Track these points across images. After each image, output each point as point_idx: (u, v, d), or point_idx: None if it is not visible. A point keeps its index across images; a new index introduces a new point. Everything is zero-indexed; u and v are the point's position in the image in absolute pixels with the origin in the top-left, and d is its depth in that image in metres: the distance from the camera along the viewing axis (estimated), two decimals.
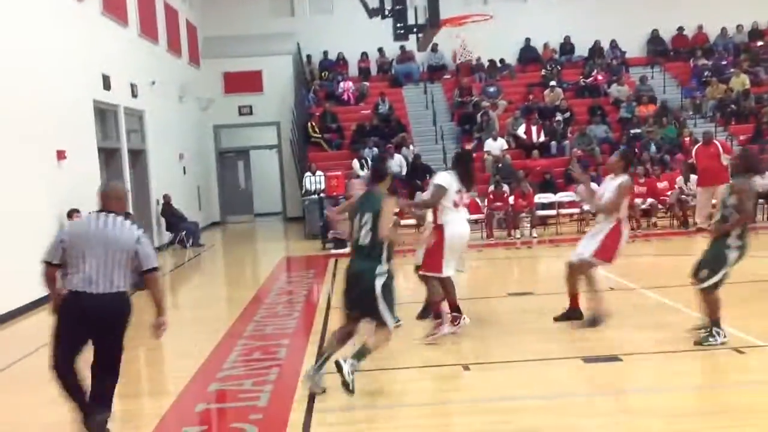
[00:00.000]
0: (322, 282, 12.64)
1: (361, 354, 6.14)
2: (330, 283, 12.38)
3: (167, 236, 19.07)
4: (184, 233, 18.74)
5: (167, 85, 20.46)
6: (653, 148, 19.75)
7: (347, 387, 5.98)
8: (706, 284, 7.12)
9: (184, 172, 21.76)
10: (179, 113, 21.80)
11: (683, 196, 16.95)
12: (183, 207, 19.57)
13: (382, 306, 6.09)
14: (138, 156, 18.11)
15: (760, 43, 24.82)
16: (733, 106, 21.84)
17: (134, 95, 17.68)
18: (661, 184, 17.46)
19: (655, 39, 25.70)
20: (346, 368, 5.99)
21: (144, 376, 7.96)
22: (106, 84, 15.92)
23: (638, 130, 20.85)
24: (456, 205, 7.88)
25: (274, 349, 8.02)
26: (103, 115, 16.13)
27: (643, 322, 7.91)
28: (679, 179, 17.22)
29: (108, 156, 16.36)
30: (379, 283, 6.06)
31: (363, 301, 6.14)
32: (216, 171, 25.61)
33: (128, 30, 17.89)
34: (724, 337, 7.15)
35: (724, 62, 24.12)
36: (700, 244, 11.56)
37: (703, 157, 16.07)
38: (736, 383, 6.31)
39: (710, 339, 7.16)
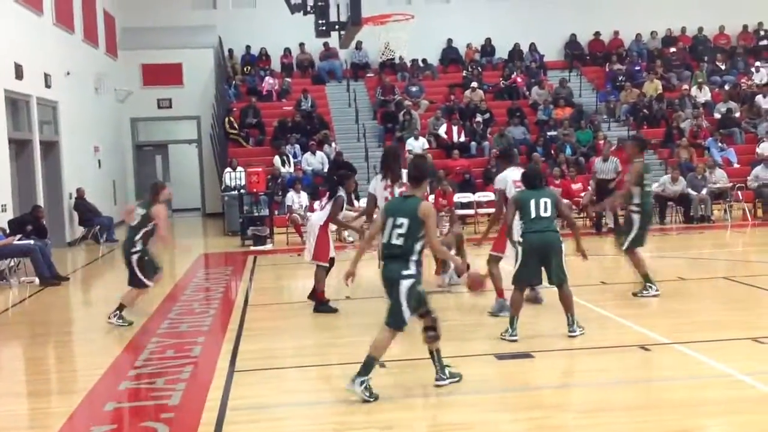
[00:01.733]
0: (240, 279, 12.51)
1: (368, 366, 5.98)
2: (248, 280, 12.27)
3: (80, 231, 18.57)
4: (97, 228, 18.28)
5: (83, 75, 19.91)
6: (569, 150, 20.22)
7: (369, 401, 5.86)
8: (624, 246, 9.09)
9: (99, 166, 21.22)
10: (95, 105, 21.24)
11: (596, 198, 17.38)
12: (97, 201, 19.08)
13: (405, 307, 5.97)
14: (51, 148, 17.58)
15: (673, 50, 25.68)
16: (645, 110, 22.55)
17: (48, 85, 17.15)
18: (576, 186, 17.90)
19: (572, 43, 26.32)
20: (357, 391, 5.87)
21: (53, 374, 7.74)
22: (18, 73, 15.41)
23: (554, 133, 21.32)
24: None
25: (188, 346, 7.90)
26: (15, 105, 15.60)
27: (554, 320, 8.09)
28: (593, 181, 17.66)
29: (19, 147, 15.84)
30: (405, 284, 5.97)
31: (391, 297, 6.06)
32: (133, 165, 25.05)
33: (42, 18, 17.34)
34: (656, 290, 8.92)
35: (637, 68, 24.87)
36: (611, 244, 11.94)
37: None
38: (642, 379, 6.52)
39: (644, 292, 8.99)
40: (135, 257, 9.00)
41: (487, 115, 22.29)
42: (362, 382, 5.88)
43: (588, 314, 8.50)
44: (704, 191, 17.36)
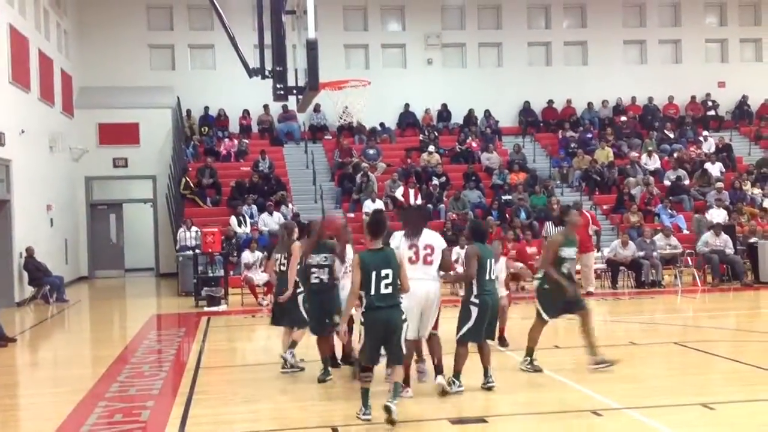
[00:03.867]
0: (192, 340, 12.32)
1: (398, 389, 6.98)
2: (201, 341, 12.09)
3: (30, 291, 18.18)
4: (47, 288, 17.91)
5: (38, 134, 19.76)
6: (523, 214, 20.51)
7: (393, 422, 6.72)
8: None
9: (51, 224, 20.90)
10: (49, 163, 21.03)
11: None
12: (48, 260, 18.73)
13: (403, 348, 7.01)
14: (2, 206, 17.31)
15: (623, 119, 26.40)
16: (597, 176, 23.04)
17: (1, 143, 16.97)
18: (531, 249, 18.08)
19: (526, 110, 26.92)
20: (394, 410, 6.73)
21: None
22: None
23: (509, 197, 21.64)
24: (412, 261, 7.67)
25: (137, 411, 7.73)
26: None
27: (510, 384, 8.11)
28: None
29: None
30: (405, 327, 7.01)
31: (393, 346, 6.94)
32: (86, 224, 24.72)
33: None
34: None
35: (589, 135, 25.49)
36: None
37: None
38: None
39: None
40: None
41: (443, 179, 22.58)
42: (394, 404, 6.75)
43: (540, 378, 8.53)
44: (655, 256, 17.68)
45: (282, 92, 11.55)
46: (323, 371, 8.76)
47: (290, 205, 21.05)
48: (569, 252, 8.95)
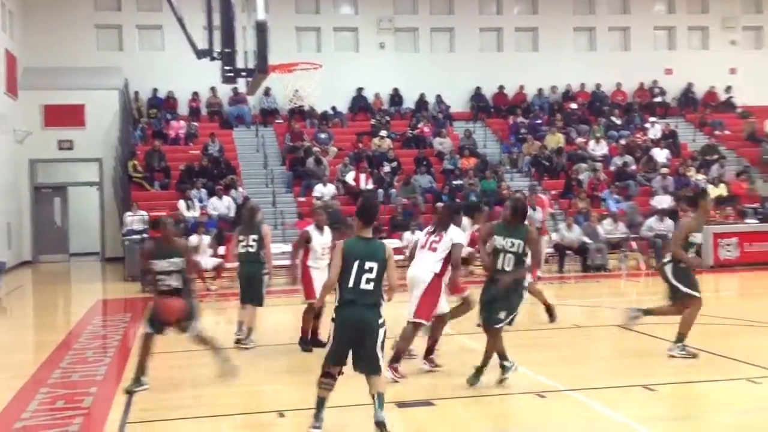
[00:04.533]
0: (138, 326, 12.14)
1: (383, 401, 6.08)
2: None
3: None
4: None
5: None
6: (474, 199, 20.62)
7: None
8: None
9: None
10: None
11: None
12: None
13: (380, 355, 6.08)
14: None
15: (573, 106, 26.67)
16: (546, 162, 23.27)
17: None
18: (479, 233, 18.21)
19: (477, 96, 27.03)
20: (388, 423, 5.99)
21: None
22: None
23: (460, 182, 21.74)
24: (420, 246, 8.28)
25: (79, 397, 7.62)
26: None
27: (456, 367, 8.17)
28: None
29: None
30: (382, 333, 6.05)
31: (366, 352, 6.02)
32: (30, 207, 24.19)
33: None
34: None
35: (539, 121, 25.71)
36: None
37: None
38: (538, 426, 6.64)
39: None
40: None
41: (395, 164, 22.58)
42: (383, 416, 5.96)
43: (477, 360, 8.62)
44: (601, 240, 17.96)
45: (231, 74, 11.40)
46: None
47: (240, 189, 20.86)
48: (698, 237, 8.86)
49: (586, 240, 17.95)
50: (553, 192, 21.98)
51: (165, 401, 7.51)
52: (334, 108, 25.56)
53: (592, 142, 24.31)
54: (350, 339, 6.00)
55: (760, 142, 25.16)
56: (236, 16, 11.95)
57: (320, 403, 6.10)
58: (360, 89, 26.23)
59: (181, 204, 19.66)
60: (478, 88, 26.95)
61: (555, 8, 27.75)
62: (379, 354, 6.04)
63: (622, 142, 24.49)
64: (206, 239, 16.89)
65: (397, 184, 21.63)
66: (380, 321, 6.04)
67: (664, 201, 20.34)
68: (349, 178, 21.50)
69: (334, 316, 6.06)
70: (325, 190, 20.53)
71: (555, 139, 24.32)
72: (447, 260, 8.09)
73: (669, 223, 18.30)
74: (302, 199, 20.81)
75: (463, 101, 27.13)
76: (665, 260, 8.93)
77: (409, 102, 26.52)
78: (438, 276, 8.04)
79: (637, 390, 7.41)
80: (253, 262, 10.01)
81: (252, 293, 10.00)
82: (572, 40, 28.11)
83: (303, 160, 22.29)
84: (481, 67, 26.84)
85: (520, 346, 9.38)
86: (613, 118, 26.02)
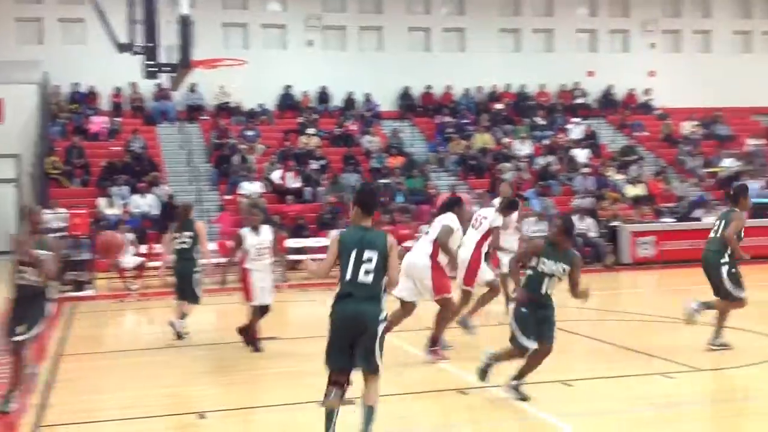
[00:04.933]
0: (53, 328, 11.82)
1: (370, 419, 5.63)
2: (63, 328, 11.63)
3: None
4: None
5: None
6: (400, 197, 20.76)
7: None
8: None
9: None
10: None
11: None
12: None
13: (378, 352, 5.60)
14: None
15: (499, 106, 27.03)
16: (472, 161, 23.56)
17: None
18: (405, 231, 18.33)
19: (405, 95, 27.18)
20: None
21: None
22: None
23: (387, 180, 21.84)
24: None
25: None
26: None
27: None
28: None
29: None
30: (381, 329, 5.60)
31: (363, 347, 5.55)
32: None
33: None
34: None
35: (466, 121, 25.99)
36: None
37: None
38: (460, 423, 6.72)
39: None
40: None
41: (322, 162, 22.53)
42: None
43: (405, 358, 8.69)
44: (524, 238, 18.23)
45: (153, 69, 11.25)
46: None
47: (165, 187, 20.50)
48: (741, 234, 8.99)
49: None
50: (479, 191, 22.24)
51: (84, 403, 7.35)
52: (261, 105, 25.34)
53: (516, 142, 24.70)
54: (347, 335, 5.55)
55: (677, 143, 26.00)
56: (159, 10, 11.78)
57: (328, 417, 5.58)
58: (288, 87, 26.05)
59: (100, 201, 19.24)
60: (406, 88, 27.09)
61: (481, 9, 28.09)
62: (378, 350, 5.60)
63: (546, 142, 24.96)
64: (127, 237, 16.55)
65: (324, 183, 21.59)
66: (381, 315, 5.60)
67: (584, 201, 20.76)
68: (276, 176, 21.36)
69: (330, 311, 5.66)
70: (251, 188, 20.36)
71: (483, 139, 24.62)
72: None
73: (588, 221, 18.79)
74: (228, 197, 20.58)
75: (391, 100, 27.23)
76: (722, 261, 8.99)
77: (338, 100, 26.47)
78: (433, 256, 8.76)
79: (554, 386, 7.56)
80: (187, 259, 10.23)
81: (187, 291, 10.22)
82: (498, 41, 28.48)
83: (229, 157, 22.05)
84: (409, 67, 26.95)
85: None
86: (537, 119, 26.50)
